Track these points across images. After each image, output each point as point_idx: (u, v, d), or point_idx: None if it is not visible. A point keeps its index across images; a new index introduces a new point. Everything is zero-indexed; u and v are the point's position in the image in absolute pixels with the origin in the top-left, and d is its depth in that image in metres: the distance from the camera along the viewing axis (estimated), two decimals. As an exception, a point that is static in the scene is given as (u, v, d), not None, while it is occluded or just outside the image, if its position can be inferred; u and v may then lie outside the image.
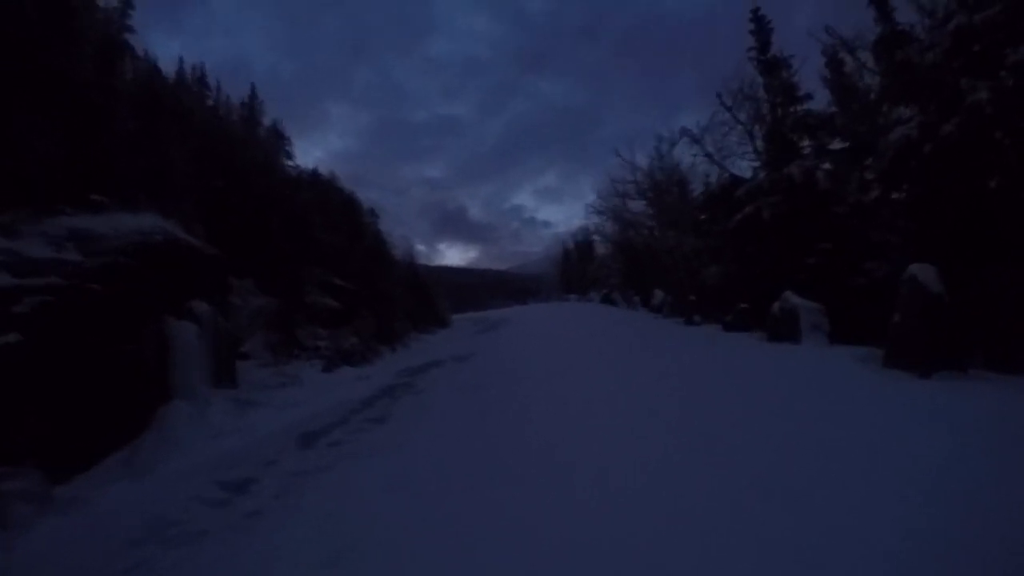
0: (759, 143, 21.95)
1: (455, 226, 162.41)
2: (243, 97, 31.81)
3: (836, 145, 20.49)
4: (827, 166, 19.28)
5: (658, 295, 31.32)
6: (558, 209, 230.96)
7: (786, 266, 17.61)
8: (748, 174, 22.65)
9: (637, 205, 37.83)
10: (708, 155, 24.92)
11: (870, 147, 19.10)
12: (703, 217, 30.57)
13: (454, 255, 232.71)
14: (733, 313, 19.12)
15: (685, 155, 31.49)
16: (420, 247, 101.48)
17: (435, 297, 43.42)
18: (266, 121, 32.49)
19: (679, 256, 28.95)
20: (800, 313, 14.19)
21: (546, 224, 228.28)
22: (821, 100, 21.42)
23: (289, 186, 25.49)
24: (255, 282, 19.10)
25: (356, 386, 15.08)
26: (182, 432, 9.72)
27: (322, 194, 29.60)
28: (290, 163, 31.91)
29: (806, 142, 20.43)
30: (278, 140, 32.88)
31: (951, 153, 12.32)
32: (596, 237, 53.86)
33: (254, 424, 11.04)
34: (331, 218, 27.26)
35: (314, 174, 32.29)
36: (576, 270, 67.91)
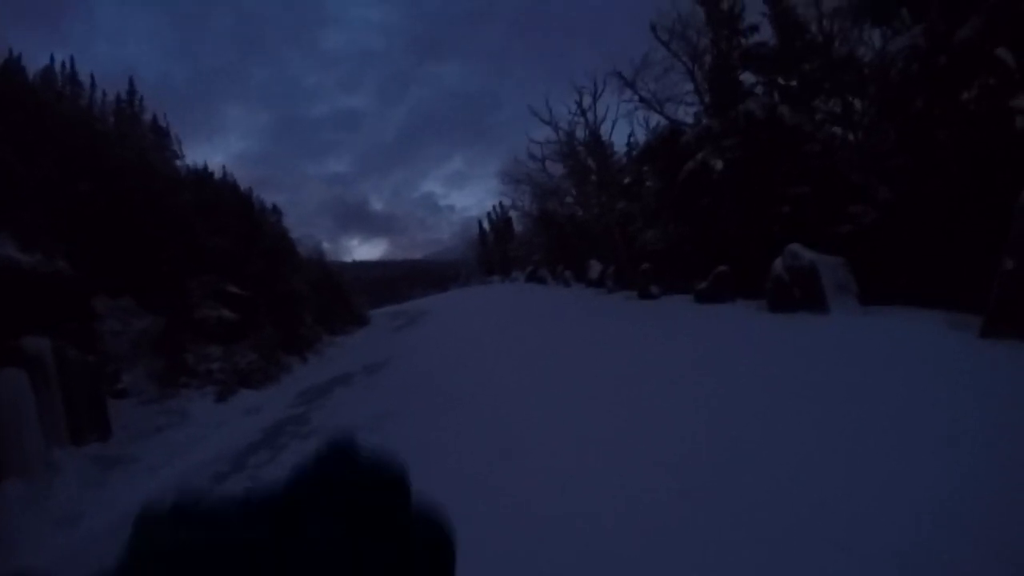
0: (702, 84, 19.21)
1: (366, 220, 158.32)
2: (121, 94, 29.11)
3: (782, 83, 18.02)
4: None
5: (595, 267, 28.31)
6: (468, 193, 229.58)
7: (753, 218, 15.09)
8: (690, 121, 20.03)
9: (557, 169, 34.83)
10: (644, 100, 21.71)
11: (820, 84, 16.94)
12: (637, 174, 28.25)
13: (368, 250, 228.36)
14: (709, 280, 16.04)
15: (611, 108, 28.65)
16: (331, 245, 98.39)
17: (350, 295, 40.02)
18: (147, 118, 29.84)
19: (611, 221, 26.19)
20: (820, 271, 11.25)
21: (459, 209, 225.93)
22: (764, 36, 18.89)
23: (170, 187, 21.65)
24: (135, 300, 16.20)
25: (242, 424, 12.10)
26: (14, 524, 7.49)
27: (212, 194, 26.01)
28: (180, 163, 28.98)
29: (755, 79, 17.97)
30: (160, 137, 29.41)
31: (968, 64, 9.95)
32: (513, 212, 51.24)
33: (115, 497, 8.46)
34: (222, 219, 23.69)
35: (199, 173, 28.53)
36: (495, 251, 65.41)
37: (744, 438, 5.72)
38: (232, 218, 25.46)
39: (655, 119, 23.03)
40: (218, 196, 26.89)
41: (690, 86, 19.94)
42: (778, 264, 12.35)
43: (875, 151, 14.45)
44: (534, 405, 8.24)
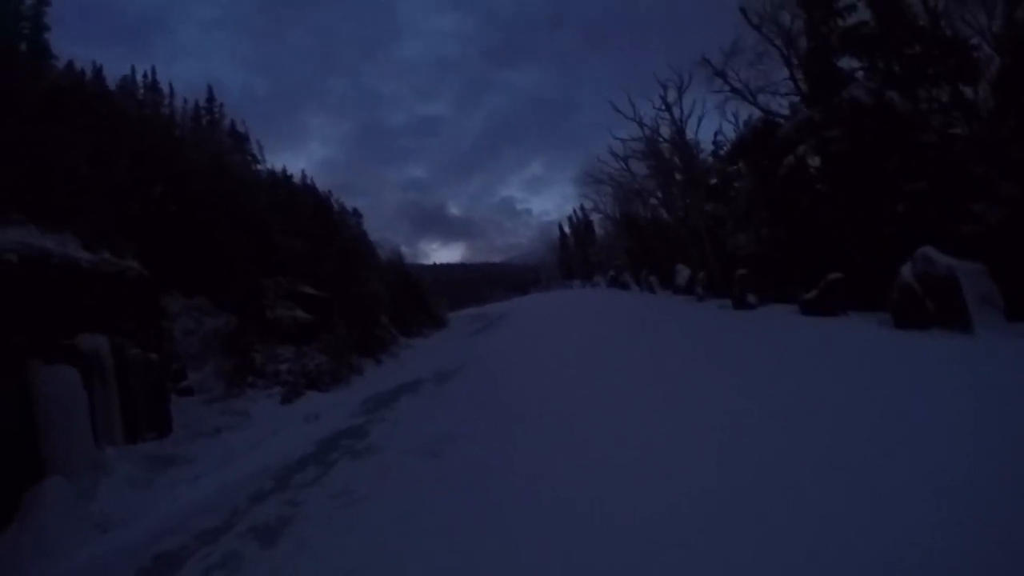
0: (797, 71, 17.66)
1: (445, 224, 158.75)
2: (200, 102, 30.15)
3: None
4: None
5: (682, 272, 26.55)
6: (547, 198, 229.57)
7: (862, 219, 13.63)
8: (785, 112, 18.49)
9: (640, 169, 33.46)
10: (735, 90, 20.13)
11: (925, 70, 15.20)
12: (724, 174, 26.70)
13: (448, 253, 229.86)
14: (819, 289, 14.08)
15: (698, 102, 27.04)
16: (411, 248, 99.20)
17: (428, 297, 39.99)
18: (226, 125, 30.67)
19: (700, 224, 24.71)
20: (961, 281, 9.53)
21: (537, 213, 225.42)
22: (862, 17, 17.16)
23: (245, 188, 21.82)
24: (210, 299, 16.65)
25: (299, 432, 11.55)
26: (55, 524, 7.31)
27: (287, 195, 26.40)
28: (259, 167, 29.50)
29: (855, 65, 16.38)
30: (237, 141, 30.02)
31: None
32: (595, 215, 50.17)
33: (158, 503, 8.29)
34: (298, 221, 23.96)
35: (274, 175, 28.94)
36: (576, 254, 64.68)
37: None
38: (308, 219, 25.56)
39: (746, 112, 21.54)
40: (294, 197, 27.12)
41: (784, 73, 18.35)
42: (907, 271, 10.73)
43: (996, 141, 12.79)
44: (623, 441, 6.92)
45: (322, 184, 31.33)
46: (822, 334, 11.68)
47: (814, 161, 15.16)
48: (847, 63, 16.69)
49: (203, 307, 16.40)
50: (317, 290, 21.65)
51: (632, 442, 6.85)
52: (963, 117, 14.59)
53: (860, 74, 16.12)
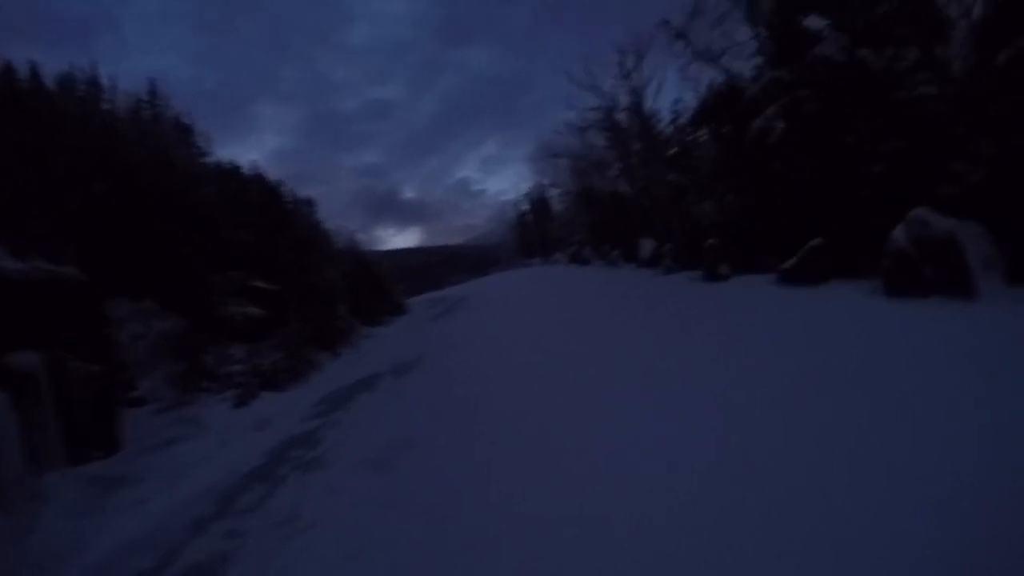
0: (762, 32, 16.80)
1: (402, 208, 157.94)
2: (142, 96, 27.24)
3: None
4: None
5: (646, 245, 25.70)
6: (503, 177, 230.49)
7: (836, 182, 12.94)
8: (749, 75, 17.64)
9: (599, 140, 32.46)
10: (697, 53, 19.12)
11: (893, 31, 14.51)
12: (685, 143, 25.89)
13: (406, 238, 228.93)
14: (798, 257, 13.15)
15: (657, 70, 26.05)
16: (368, 235, 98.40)
17: (387, 284, 38.87)
18: (170, 117, 28.03)
19: (663, 194, 23.93)
20: (964, 244, 8.69)
21: (494, 193, 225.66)
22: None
23: (191, 182, 20.48)
24: (158, 301, 15.49)
25: (247, 442, 10.62)
26: None
27: (237, 187, 24.91)
28: (206, 159, 26.86)
29: (821, 24, 15.59)
30: (182, 134, 28.29)
31: None
32: (553, 190, 49.23)
33: (104, 530, 7.43)
34: (247, 213, 22.61)
35: (221, 167, 27.39)
36: (535, 232, 63.76)
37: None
38: (258, 212, 24.31)
39: (708, 78, 20.60)
40: (244, 189, 25.75)
41: (748, 33, 17.46)
42: (900, 235, 9.86)
43: (972, 98, 12.19)
44: (593, 441, 6.27)
45: (276, 174, 29.80)
46: (809, 306, 10.72)
47: (780, 124, 14.40)
48: (812, 23, 15.93)
49: (151, 310, 15.30)
50: (270, 284, 20.53)
51: (613, 447, 5.98)
52: (935, 77, 13.97)
53: (826, 33, 15.35)
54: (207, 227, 18.83)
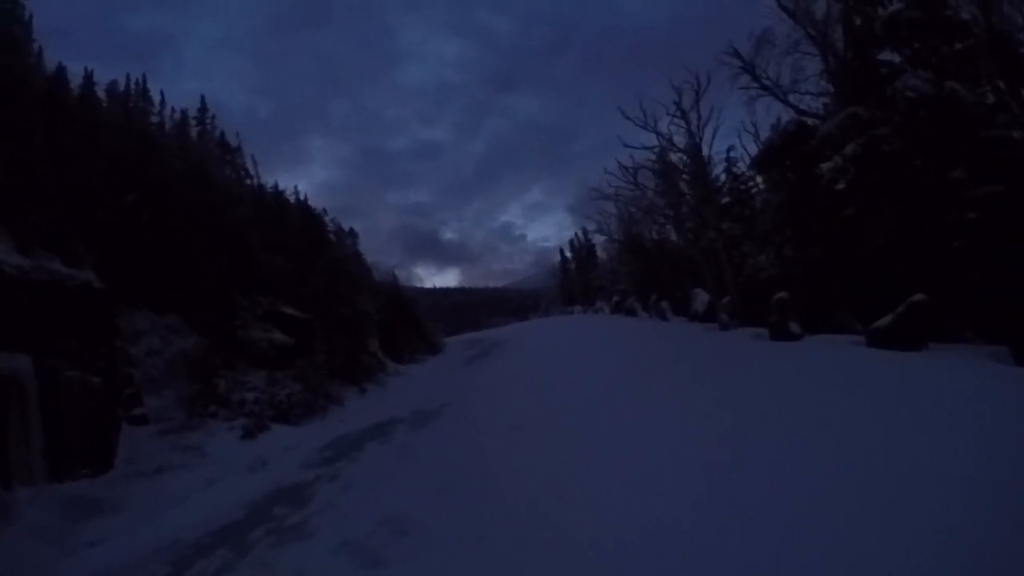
0: (834, 66, 15.51)
1: (445, 249, 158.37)
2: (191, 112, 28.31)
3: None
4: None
5: (700, 297, 23.78)
6: (547, 224, 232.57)
7: (921, 230, 11.51)
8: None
9: (650, 182, 30.94)
10: (765, 87, 17.79)
11: (973, 68, 13.12)
12: (743, 189, 24.62)
13: (448, 277, 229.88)
14: (897, 315, 10.88)
15: (716, 109, 24.66)
16: (409, 271, 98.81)
17: (423, 321, 38.01)
18: (215, 136, 28.63)
19: (718, 244, 22.42)
20: None
21: (537, 239, 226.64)
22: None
23: (229, 201, 20.00)
24: (182, 318, 15.04)
25: (237, 485, 9.37)
26: None
27: (276, 210, 24.58)
28: (250, 181, 27.49)
29: (897, 58, 14.25)
30: (226, 153, 28.19)
31: None
32: (598, 237, 48.06)
33: (56, 562, 6.78)
34: (282, 236, 22.00)
35: (262, 189, 27.12)
36: (577, 280, 62.53)
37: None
38: (295, 236, 23.70)
39: (773, 116, 19.27)
40: (283, 214, 25.25)
41: (817, 66, 16.13)
42: None
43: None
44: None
45: (322, 205, 29.61)
46: (931, 379, 8.31)
47: (853, 167, 13.08)
48: (886, 57, 14.68)
49: (174, 326, 14.77)
50: (300, 311, 19.67)
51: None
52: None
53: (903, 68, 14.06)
54: (239, 247, 18.21)
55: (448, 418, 11.77)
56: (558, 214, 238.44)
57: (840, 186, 13.33)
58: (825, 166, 13.44)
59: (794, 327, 14.10)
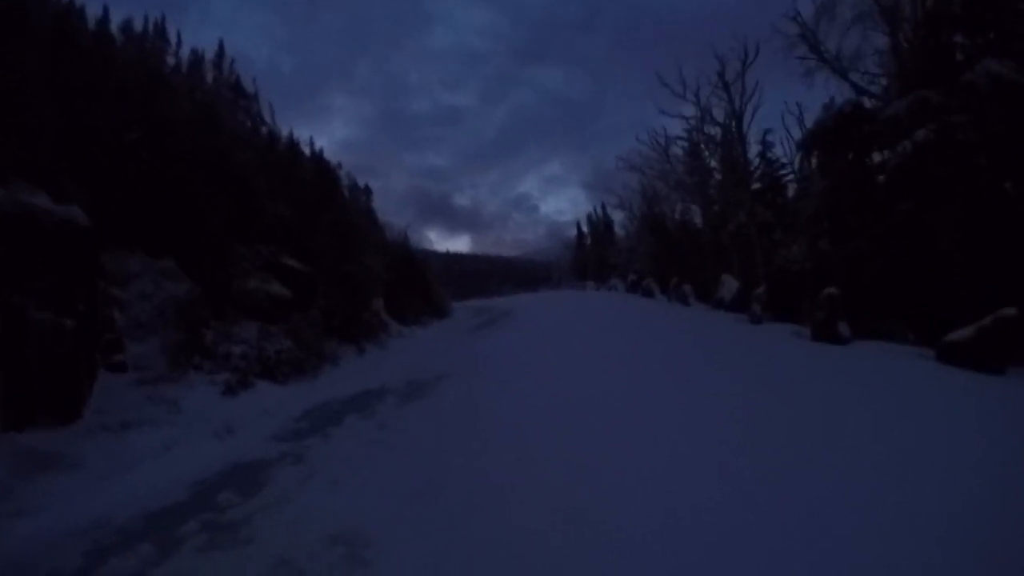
0: (901, 46, 14.06)
1: (459, 214, 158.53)
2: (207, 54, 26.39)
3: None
4: None
5: (729, 284, 21.86)
6: (563, 197, 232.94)
7: (992, 235, 10.22)
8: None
9: (678, 162, 29.48)
10: (824, 60, 16.23)
11: None
12: (777, 175, 23.27)
13: (461, 243, 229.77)
14: (983, 328, 9.41)
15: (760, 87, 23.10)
16: (422, 235, 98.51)
17: (433, 284, 37.03)
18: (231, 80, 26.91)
19: (752, 229, 21.09)
20: None
21: (553, 212, 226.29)
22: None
23: (238, 146, 18.94)
24: (178, 262, 14.17)
25: (193, 454, 8.26)
26: None
27: (288, 159, 23.45)
28: (264, 128, 25.62)
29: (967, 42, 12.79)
30: (239, 97, 27.03)
31: None
32: (618, 212, 46.85)
33: None
34: (292, 188, 20.90)
35: (273, 136, 25.90)
36: (592, 255, 61.43)
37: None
38: (306, 188, 22.63)
39: (819, 100, 17.88)
40: (294, 162, 24.19)
41: (882, 43, 14.59)
42: None
43: None
44: None
45: (339, 161, 28.54)
46: None
47: (917, 155, 11.74)
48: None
49: (168, 270, 13.92)
50: (303, 264, 18.59)
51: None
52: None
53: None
54: (243, 193, 17.11)
55: (442, 395, 10.48)
56: (574, 189, 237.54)
57: (899, 176, 12.03)
58: (899, 148, 11.98)
59: (843, 329, 12.47)
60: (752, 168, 25.81)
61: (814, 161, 18.55)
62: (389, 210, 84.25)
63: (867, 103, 14.71)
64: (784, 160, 26.13)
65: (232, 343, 13.91)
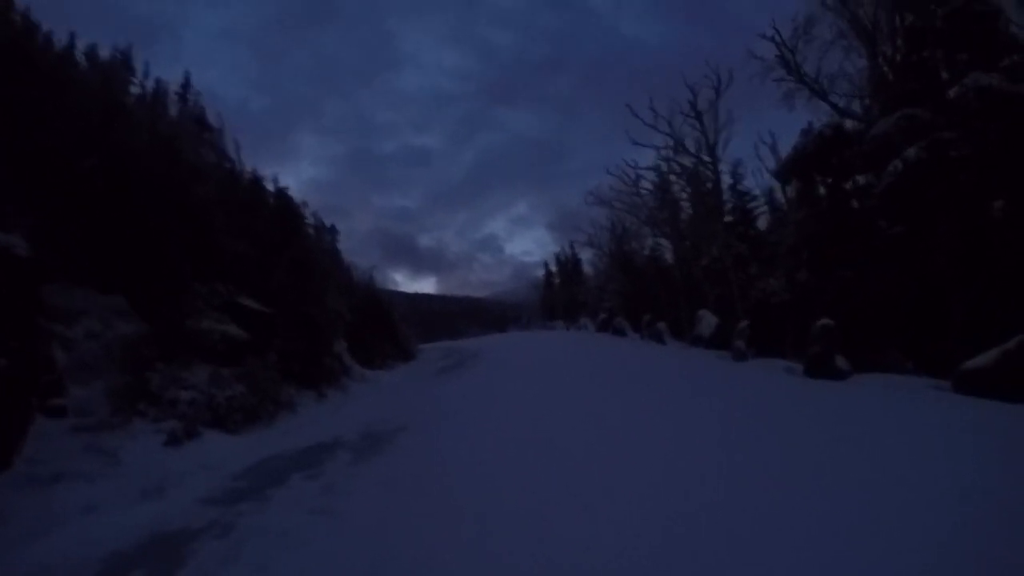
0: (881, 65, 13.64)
1: (427, 255, 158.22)
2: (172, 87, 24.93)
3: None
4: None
5: (707, 320, 20.92)
6: (529, 238, 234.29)
7: (990, 255, 9.58)
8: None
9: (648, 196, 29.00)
10: (803, 81, 15.78)
11: None
12: (748, 208, 22.82)
13: (428, 284, 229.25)
14: (1004, 355, 8.54)
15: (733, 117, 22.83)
16: (390, 276, 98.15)
17: (399, 326, 35.90)
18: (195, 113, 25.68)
19: (727, 262, 20.46)
20: None
21: (520, 253, 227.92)
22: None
23: (193, 177, 17.92)
24: (129, 300, 13.13)
25: (113, 520, 7.07)
26: None
27: (249, 194, 22.37)
28: (227, 165, 24.23)
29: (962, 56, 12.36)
30: (203, 130, 26.04)
31: None
32: (587, 249, 46.52)
33: None
34: (255, 224, 19.83)
35: (232, 170, 24.81)
36: (560, 294, 61.14)
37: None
38: (268, 224, 21.56)
39: (803, 120, 17.39)
40: (256, 198, 23.18)
41: (858, 64, 14.19)
42: None
43: None
44: None
45: (307, 200, 27.72)
46: None
47: (900, 175, 11.16)
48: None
49: (119, 308, 12.90)
50: (263, 305, 17.51)
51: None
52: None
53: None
54: (201, 229, 16.11)
55: (398, 451, 9.26)
56: (540, 230, 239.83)
57: (887, 199, 11.42)
58: (891, 167, 11.29)
59: (841, 363, 11.49)
60: (722, 201, 25.39)
61: (789, 190, 18.04)
62: (356, 251, 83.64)
63: (847, 125, 14.22)
64: (755, 192, 25.87)
65: (180, 388, 12.74)
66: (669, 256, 32.85)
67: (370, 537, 5.63)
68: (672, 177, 27.47)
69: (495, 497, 6.29)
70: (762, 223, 24.68)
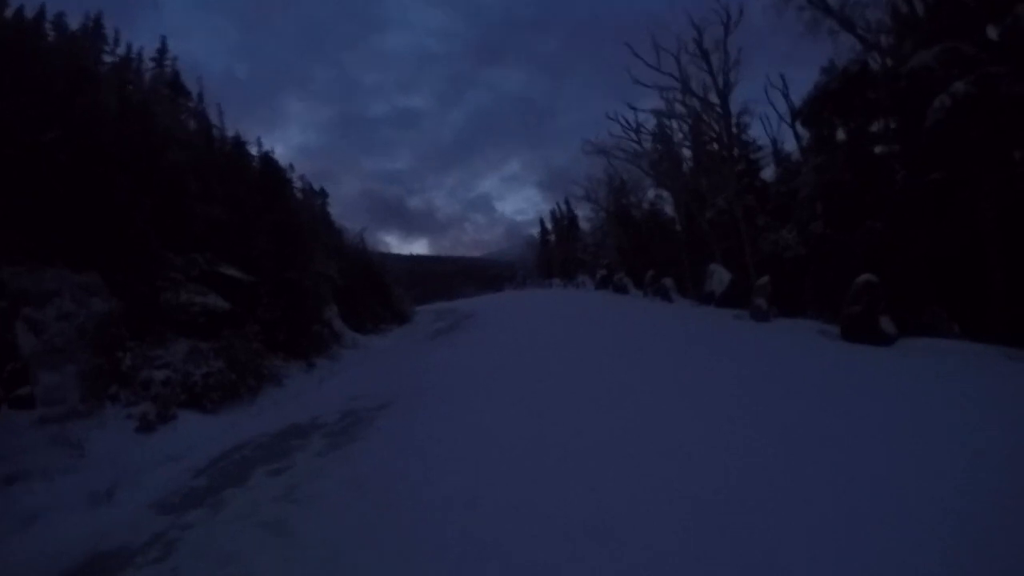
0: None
1: (420, 216, 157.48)
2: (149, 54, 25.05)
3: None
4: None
5: (719, 275, 19.20)
6: (522, 196, 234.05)
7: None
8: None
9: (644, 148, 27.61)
10: (828, 9, 14.20)
11: None
12: (753, 159, 21.63)
13: (423, 246, 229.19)
14: None
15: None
16: (384, 238, 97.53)
17: (392, 289, 35.14)
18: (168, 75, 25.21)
19: (738, 213, 19.24)
20: None
21: (514, 212, 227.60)
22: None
23: (167, 144, 16.71)
24: (103, 277, 12.52)
25: (58, 530, 6.39)
26: None
27: (231, 160, 21.99)
28: (205, 130, 23.37)
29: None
30: (178, 95, 24.69)
31: None
32: (584, 204, 45.03)
33: None
34: (237, 189, 19.30)
35: (209, 134, 23.67)
36: (557, 252, 60.04)
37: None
38: (252, 190, 20.43)
39: (824, 57, 15.98)
40: (236, 161, 22.02)
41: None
42: None
43: None
44: None
45: (298, 167, 26.71)
46: None
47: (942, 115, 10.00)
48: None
49: (92, 286, 12.32)
50: (244, 273, 16.85)
51: None
52: None
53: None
54: (172, 195, 15.39)
55: (382, 432, 8.17)
56: (532, 189, 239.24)
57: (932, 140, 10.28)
58: (936, 102, 10.03)
59: (886, 325, 9.97)
60: (730, 151, 24.10)
61: (804, 137, 16.83)
62: (347, 215, 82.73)
63: (874, 62, 12.96)
64: (759, 142, 24.61)
65: (154, 367, 11.89)
66: (670, 209, 31.68)
67: (324, 556, 4.59)
68: (675, 123, 26.01)
69: (479, 511, 5.04)
70: (767, 175, 23.49)
